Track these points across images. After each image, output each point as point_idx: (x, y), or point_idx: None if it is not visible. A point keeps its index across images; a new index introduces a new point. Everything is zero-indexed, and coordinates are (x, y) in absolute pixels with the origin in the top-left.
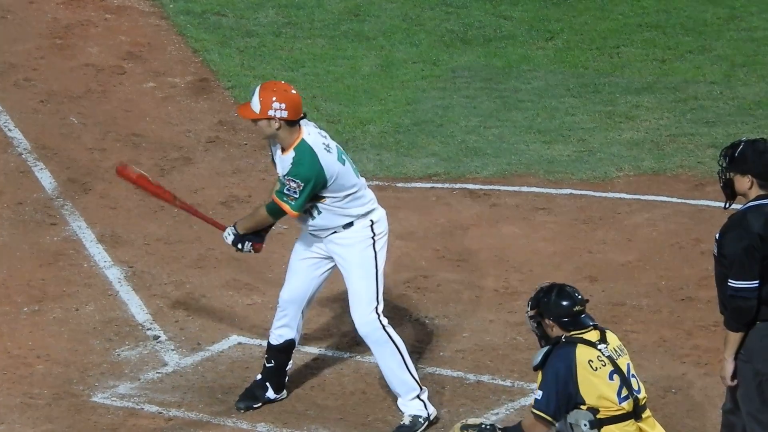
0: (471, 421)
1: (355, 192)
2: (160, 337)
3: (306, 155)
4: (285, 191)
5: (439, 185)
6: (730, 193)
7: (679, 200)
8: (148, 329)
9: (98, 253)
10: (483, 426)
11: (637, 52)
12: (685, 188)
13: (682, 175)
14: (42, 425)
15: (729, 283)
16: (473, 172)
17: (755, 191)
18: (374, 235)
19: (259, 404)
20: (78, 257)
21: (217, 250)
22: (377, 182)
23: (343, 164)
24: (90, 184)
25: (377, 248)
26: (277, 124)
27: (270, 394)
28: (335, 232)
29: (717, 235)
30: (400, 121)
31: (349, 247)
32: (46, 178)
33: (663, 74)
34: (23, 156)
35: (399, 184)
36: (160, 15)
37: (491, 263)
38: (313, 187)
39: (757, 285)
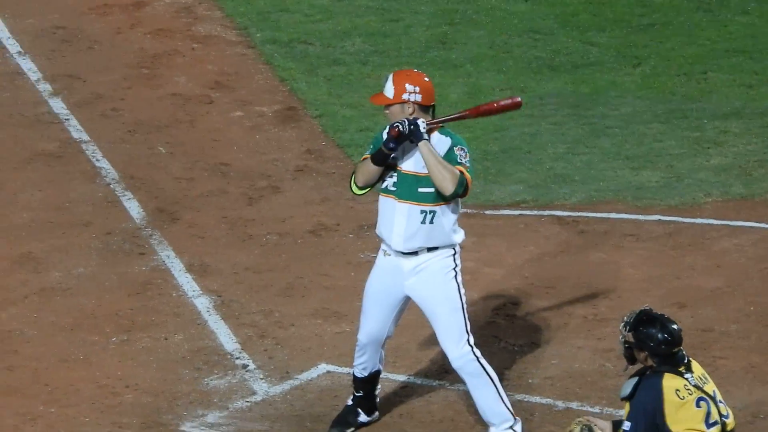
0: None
1: (457, 218)
2: (248, 365)
3: (455, 134)
4: (459, 161)
5: (528, 212)
6: None
7: None
8: (236, 358)
9: (187, 282)
10: None
11: (724, 78)
12: None
13: None
14: None
15: None
16: (561, 199)
17: None
18: (456, 266)
19: (352, 429)
20: (166, 287)
21: (306, 279)
22: (465, 210)
23: None
24: (178, 213)
25: (459, 280)
26: (410, 109)
27: (362, 418)
28: (420, 253)
29: None
30: (488, 149)
31: (431, 281)
32: (134, 207)
33: (750, 99)
34: (111, 186)
35: (487, 212)
36: (247, 44)
37: (580, 290)
38: (471, 162)
39: None
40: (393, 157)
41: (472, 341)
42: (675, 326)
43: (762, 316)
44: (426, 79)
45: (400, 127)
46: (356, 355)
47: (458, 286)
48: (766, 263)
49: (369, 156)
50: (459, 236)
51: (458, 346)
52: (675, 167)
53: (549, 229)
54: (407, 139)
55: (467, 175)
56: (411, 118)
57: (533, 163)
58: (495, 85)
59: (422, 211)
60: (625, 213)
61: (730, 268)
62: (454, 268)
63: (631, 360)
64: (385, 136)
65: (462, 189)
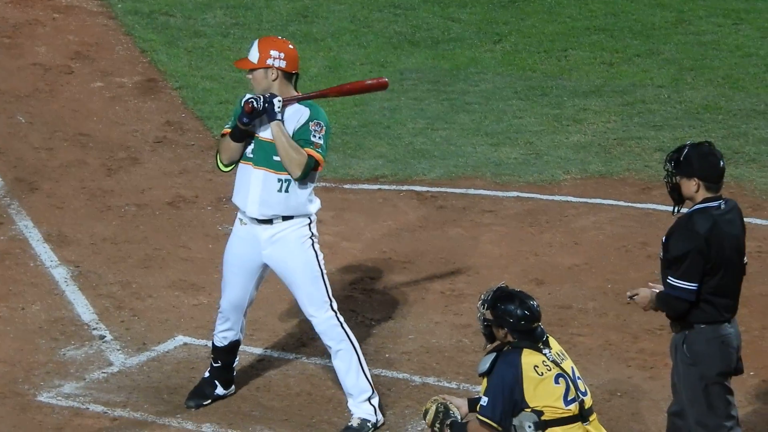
0: (438, 406)
1: (313, 188)
2: (105, 336)
3: (317, 106)
4: (312, 139)
5: (386, 187)
6: (677, 197)
7: (626, 203)
8: (93, 329)
9: (44, 252)
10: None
11: (584, 56)
12: (632, 191)
13: (629, 178)
14: None
15: (668, 280)
16: (420, 174)
17: (702, 194)
18: (312, 234)
19: (209, 401)
20: (24, 256)
21: (164, 251)
22: (324, 183)
23: None
24: (37, 183)
25: (316, 248)
26: (274, 75)
27: (219, 390)
28: (275, 222)
29: (663, 239)
30: (348, 123)
31: (288, 250)
32: None
33: (611, 77)
34: None
35: (346, 186)
36: (108, 15)
37: (438, 265)
38: (328, 136)
39: (695, 288)
40: (251, 124)
41: (335, 306)
42: (533, 302)
43: (619, 294)
44: (291, 46)
45: (254, 103)
46: (218, 323)
47: (316, 253)
48: (624, 241)
49: (228, 131)
50: (314, 206)
51: (321, 311)
52: (534, 144)
53: (407, 204)
54: (261, 115)
55: (317, 155)
56: (268, 95)
57: (393, 138)
58: (356, 59)
59: (279, 180)
60: (484, 189)
61: (588, 246)
62: (310, 237)
63: (491, 338)
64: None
65: (308, 173)
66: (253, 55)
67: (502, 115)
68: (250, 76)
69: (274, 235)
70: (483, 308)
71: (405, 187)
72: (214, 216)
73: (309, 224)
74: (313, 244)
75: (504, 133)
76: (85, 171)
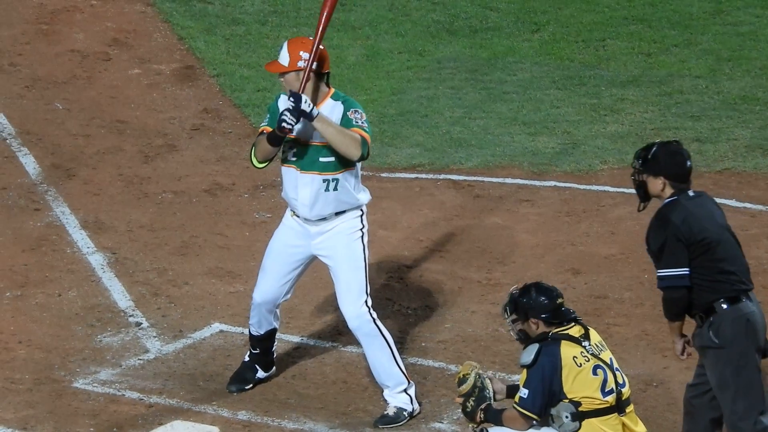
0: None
1: (359, 177)
2: (142, 323)
3: (348, 97)
4: (355, 124)
5: (423, 176)
6: (643, 194)
7: None
8: (130, 316)
9: (81, 239)
10: (479, 391)
11: (622, 46)
12: None
13: None
14: (23, 410)
15: (657, 273)
16: (457, 163)
17: (668, 191)
18: (363, 226)
19: (251, 386)
20: (61, 243)
21: (201, 238)
22: (361, 172)
23: None
24: (74, 170)
25: (365, 240)
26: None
27: (260, 374)
28: (329, 218)
29: (646, 234)
30: (385, 111)
31: (337, 239)
32: (30, 163)
33: (648, 68)
34: (8, 141)
35: (383, 174)
36: (146, 2)
37: (474, 254)
38: (368, 121)
39: (686, 272)
40: (292, 131)
41: (369, 303)
42: (545, 284)
43: (655, 284)
44: (320, 45)
45: (286, 123)
46: (252, 314)
47: (364, 246)
48: None
49: (266, 129)
50: (364, 196)
51: (356, 306)
52: (572, 134)
53: (444, 192)
54: (298, 122)
55: (365, 135)
56: (292, 100)
57: (430, 126)
58: (393, 48)
59: (325, 180)
60: (521, 178)
61: (625, 236)
62: (361, 229)
63: (526, 339)
64: (280, 106)
65: (367, 150)
66: (284, 58)
67: (540, 104)
68: (282, 80)
69: (329, 230)
70: (508, 314)
71: (442, 176)
72: (251, 203)
73: (361, 216)
74: (362, 237)
75: (541, 122)
76: (122, 158)
